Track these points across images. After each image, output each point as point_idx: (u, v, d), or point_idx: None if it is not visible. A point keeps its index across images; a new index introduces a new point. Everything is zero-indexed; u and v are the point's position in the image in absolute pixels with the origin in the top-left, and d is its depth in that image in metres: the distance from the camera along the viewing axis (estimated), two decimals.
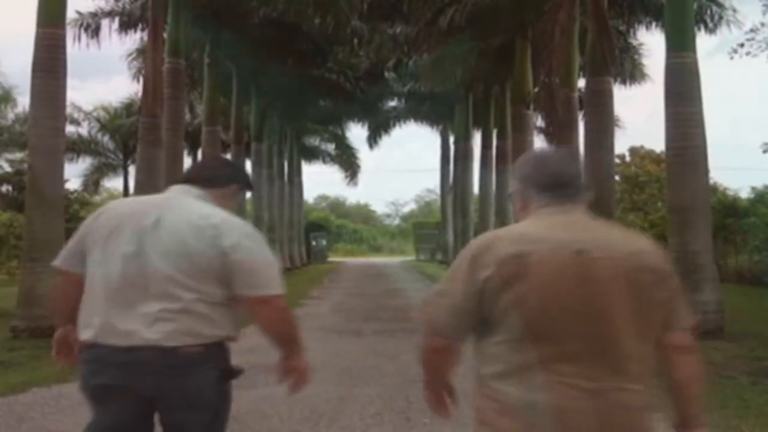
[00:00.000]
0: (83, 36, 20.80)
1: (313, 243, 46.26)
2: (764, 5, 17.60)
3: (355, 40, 25.29)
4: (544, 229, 2.40)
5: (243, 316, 3.13)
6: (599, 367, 2.31)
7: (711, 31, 20.28)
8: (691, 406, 2.58)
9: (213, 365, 3.09)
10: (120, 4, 21.11)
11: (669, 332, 2.49)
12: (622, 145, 48.01)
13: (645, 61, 25.89)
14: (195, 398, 3.06)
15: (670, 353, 2.51)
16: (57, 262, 3.28)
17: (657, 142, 41.06)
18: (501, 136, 26.63)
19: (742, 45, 18.18)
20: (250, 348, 5.22)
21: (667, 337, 2.49)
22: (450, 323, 2.48)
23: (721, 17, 20.08)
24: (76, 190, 40.56)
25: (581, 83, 19.41)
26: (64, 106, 12.53)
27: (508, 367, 2.36)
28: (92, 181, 44.09)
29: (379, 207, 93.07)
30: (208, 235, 3.03)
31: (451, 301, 2.45)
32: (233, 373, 3.22)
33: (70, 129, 36.10)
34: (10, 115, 37.07)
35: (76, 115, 39.33)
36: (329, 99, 33.79)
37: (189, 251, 3.00)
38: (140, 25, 20.83)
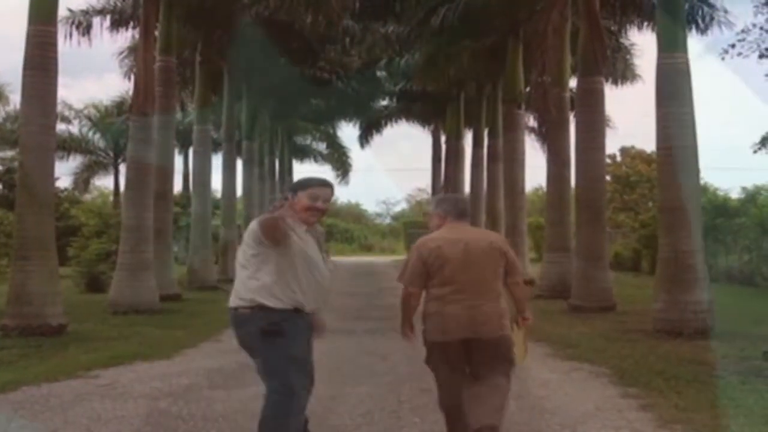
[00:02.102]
0: (74, 34, 20.69)
1: None
2: (755, 6, 17.68)
3: (347, 39, 25.26)
4: (449, 233, 5.28)
5: None
6: (474, 294, 5.13)
7: (702, 31, 20.31)
8: (522, 307, 5.49)
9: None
10: (111, 2, 21.02)
11: (510, 278, 5.29)
12: (613, 145, 48.09)
13: (636, 61, 26.01)
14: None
15: (511, 287, 5.33)
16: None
17: (648, 143, 41.10)
18: (492, 136, 26.67)
19: (733, 46, 18.24)
20: (235, 349, 5.21)
21: (509, 280, 5.29)
22: (414, 281, 5.25)
23: (712, 18, 20.11)
24: (66, 189, 40.46)
25: (573, 83, 19.42)
26: (55, 104, 12.49)
27: (435, 296, 5.21)
28: (82, 180, 43.90)
29: (370, 206, 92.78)
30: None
31: (412, 270, 5.26)
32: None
33: (60, 127, 36.11)
34: (1, 113, 37.06)
35: (66, 113, 39.26)
36: (321, 98, 33.76)
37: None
38: (132, 23, 20.75)
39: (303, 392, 4.88)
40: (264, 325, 4.73)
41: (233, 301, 4.88)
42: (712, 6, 20.03)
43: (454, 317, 5.08)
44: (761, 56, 18.38)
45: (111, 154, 42.62)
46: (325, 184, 5.05)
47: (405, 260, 5.40)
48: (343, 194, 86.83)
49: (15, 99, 33.90)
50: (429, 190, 48.12)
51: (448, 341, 5.13)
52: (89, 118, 41.28)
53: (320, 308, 5.17)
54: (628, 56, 25.43)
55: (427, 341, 5.25)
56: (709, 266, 12.70)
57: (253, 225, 4.89)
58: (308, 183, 5.01)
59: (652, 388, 7.42)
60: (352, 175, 46.13)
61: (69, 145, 39.92)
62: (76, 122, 40.96)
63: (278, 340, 4.73)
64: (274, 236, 4.71)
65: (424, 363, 5.38)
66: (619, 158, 46.76)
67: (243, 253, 4.92)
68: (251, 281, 4.81)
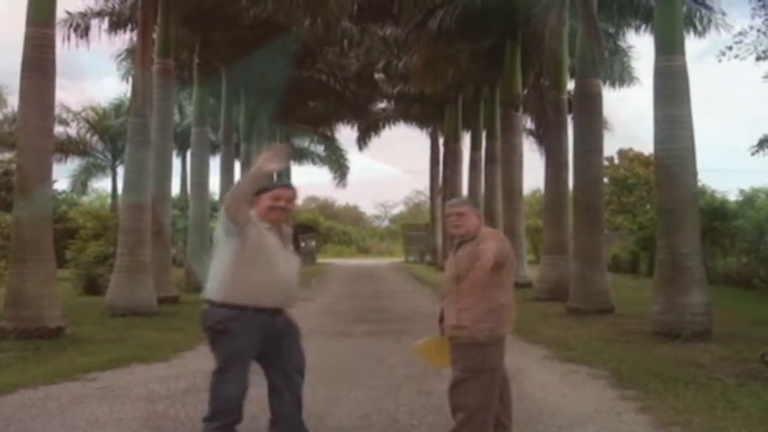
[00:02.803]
0: (73, 36, 20.69)
1: (302, 244, 46.14)
2: (753, 9, 17.72)
3: (345, 42, 25.25)
4: None
5: None
6: None
7: (700, 34, 20.35)
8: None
9: None
10: (109, 5, 21.02)
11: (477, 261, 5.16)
12: (610, 147, 47.98)
13: (634, 63, 26.02)
14: None
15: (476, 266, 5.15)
16: None
17: (646, 145, 41.09)
18: (490, 138, 26.69)
19: (730, 48, 18.26)
20: None
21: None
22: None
23: (710, 20, 20.15)
24: (64, 191, 40.46)
25: (571, 85, 19.44)
26: (53, 106, 12.45)
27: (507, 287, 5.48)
28: (80, 182, 43.89)
29: (369, 208, 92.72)
30: None
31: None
32: None
33: (58, 129, 36.03)
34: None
35: (64, 116, 39.23)
36: (319, 100, 33.77)
37: None
38: (130, 26, 20.76)
39: (297, 377, 5.48)
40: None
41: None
42: (709, 8, 20.08)
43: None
44: (758, 59, 18.42)
45: (109, 156, 42.63)
46: (286, 186, 5.63)
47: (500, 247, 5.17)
48: (341, 197, 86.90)
49: (13, 101, 33.91)
50: (427, 192, 48.12)
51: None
52: (87, 121, 41.27)
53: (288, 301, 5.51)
54: (625, 59, 25.46)
55: (497, 336, 5.22)
56: (706, 268, 12.72)
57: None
58: (270, 186, 5.51)
59: (650, 391, 7.42)
60: (350, 178, 46.11)
61: (67, 148, 39.90)
62: (74, 124, 40.98)
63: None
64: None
65: (480, 366, 5.15)
66: (616, 160, 46.81)
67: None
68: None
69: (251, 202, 5.33)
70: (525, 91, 22.68)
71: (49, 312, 11.27)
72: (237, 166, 28.88)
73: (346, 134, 64.44)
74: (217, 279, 5.28)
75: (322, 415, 6.57)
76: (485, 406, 5.19)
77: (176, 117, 30.24)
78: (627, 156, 46.70)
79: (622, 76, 25.99)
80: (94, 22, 20.97)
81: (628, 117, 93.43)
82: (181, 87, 26.88)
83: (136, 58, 16.55)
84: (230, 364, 5.26)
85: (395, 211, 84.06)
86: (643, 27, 21.09)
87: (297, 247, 5.37)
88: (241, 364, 5.28)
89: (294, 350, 5.51)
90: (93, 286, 19.20)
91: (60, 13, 16.85)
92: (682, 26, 13.19)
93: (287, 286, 5.39)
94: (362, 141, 41.59)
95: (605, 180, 29.87)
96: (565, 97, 18.75)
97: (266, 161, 5.08)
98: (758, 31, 18.13)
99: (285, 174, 43.73)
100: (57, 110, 26.39)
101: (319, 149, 46.64)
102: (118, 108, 40.05)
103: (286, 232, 5.53)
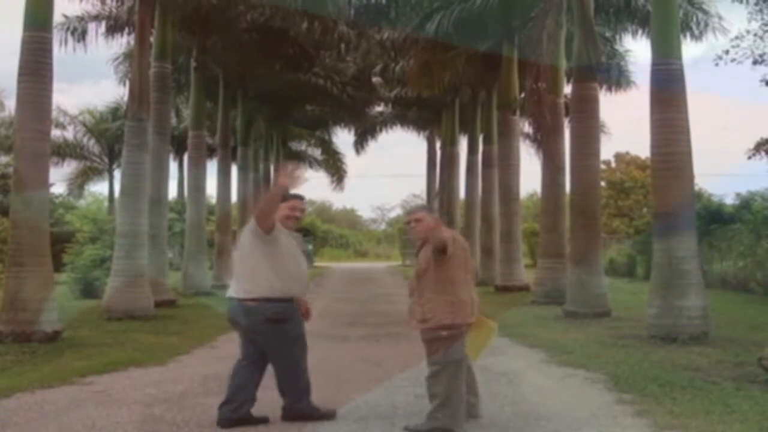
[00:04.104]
0: (70, 40, 20.68)
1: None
2: (749, 13, 17.76)
3: (342, 46, 25.22)
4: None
5: None
6: None
7: (697, 38, 20.40)
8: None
9: None
10: (107, 8, 21.00)
11: None
12: (607, 150, 48.17)
13: (631, 67, 26.06)
14: None
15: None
16: None
17: (642, 149, 41.15)
18: (487, 142, 26.67)
19: (727, 52, 18.31)
20: (230, 355, 5.20)
21: None
22: None
23: (707, 24, 20.20)
24: (61, 195, 40.45)
25: (567, 89, 19.47)
26: (50, 110, 12.44)
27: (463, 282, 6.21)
28: (77, 185, 43.87)
29: (366, 212, 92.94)
30: None
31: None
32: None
33: (55, 133, 36.06)
34: None
35: (61, 119, 39.23)
36: (316, 104, 33.81)
37: None
38: (127, 29, 20.74)
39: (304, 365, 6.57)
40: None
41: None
42: (706, 12, 20.12)
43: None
44: (755, 62, 18.47)
45: (106, 159, 42.62)
46: (300, 198, 6.72)
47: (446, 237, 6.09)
48: (338, 200, 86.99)
49: (10, 105, 33.89)
50: (424, 195, 48.14)
51: None
52: (84, 124, 41.28)
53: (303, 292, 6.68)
54: (622, 62, 25.49)
55: (457, 326, 6.06)
56: (703, 272, 12.73)
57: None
58: (287, 197, 6.51)
59: (647, 394, 7.42)
60: (347, 181, 46.09)
61: (64, 151, 39.95)
62: (71, 128, 40.99)
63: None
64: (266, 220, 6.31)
65: (455, 355, 6.05)
66: (613, 164, 46.89)
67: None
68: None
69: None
70: (522, 95, 22.71)
71: (46, 315, 11.25)
72: (234, 170, 28.84)
73: (343, 138, 64.55)
74: (254, 279, 6.30)
75: None
76: (455, 393, 6.02)
77: (173, 120, 30.25)
78: (624, 159, 46.80)
79: (619, 80, 26.02)
80: (92, 26, 20.97)
81: (625, 121, 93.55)
82: (178, 91, 26.89)
83: (133, 62, 16.55)
84: (301, 347, 6.52)
85: (392, 214, 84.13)
86: (640, 31, 21.13)
87: None
88: (301, 345, 6.52)
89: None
90: (90, 290, 19.18)
91: (57, 17, 16.88)
92: (679, 30, 13.21)
93: (306, 279, 6.70)
94: (359, 144, 41.63)
95: (602, 183, 29.93)
96: (562, 100, 18.78)
97: (284, 178, 6.20)
98: (755, 35, 18.20)
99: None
100: (54, 113, 26.47)
101: (317, 153, 46.65)
102: (115, 111, 40.03)
103: (296, 235, 6.72)
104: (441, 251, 5.97)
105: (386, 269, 42.85)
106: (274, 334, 6.33)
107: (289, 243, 6.46)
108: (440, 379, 6.01)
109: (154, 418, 6.65)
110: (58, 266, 17.28)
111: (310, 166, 47.15)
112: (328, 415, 6.52)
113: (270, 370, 6.51)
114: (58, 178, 41.55)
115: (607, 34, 21.93)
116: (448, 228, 6.74)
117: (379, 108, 38.85)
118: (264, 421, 6.36)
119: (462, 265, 6.16)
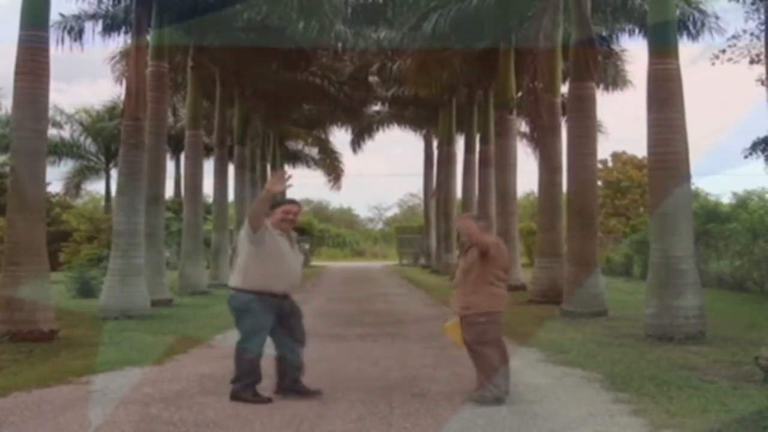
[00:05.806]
0: (66, 38, 20.61)
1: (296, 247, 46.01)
2: (746, 12, 17.79)
3: (339, 45, 25.22)
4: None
5: None
6: None
7: (693, 38, 20.39)
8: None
9: None
10: (103, 7, 20.94)
11: None
12: (604, 150, 48.24)
13: (627, 67, 26.09)
14: None
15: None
16: None
17: (639, 148, 41.21)
18: (484, 141, 26.70)
19: (723, 51, 18.34)
20: (226, 354, 5.20)
21: None
22: None
23: (703, 24, 20.20)
24: (57, 194, 40.39)
25: (564, 89, 19.48)
26: (46, 109, 12.42)
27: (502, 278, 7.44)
28: (73, 185, 43.81)
29: (362, 211, 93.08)
30: None
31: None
32: None
33: (52, 132, 36.03)
34: None
35: (58, 118, 39.18)
36: (313, 103, 33.80)
37: None
38: (124, 28, 20.69)
39: (299, 347, 7.38)
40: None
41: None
42: (703, 12, 20.13)
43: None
44: (752, 62, 18.51)
45: (102, 158, 42.58)
46: (294, 203, 7.60)
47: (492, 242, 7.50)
48: (335, 199, 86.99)
49: (7, 104, 33.85)
50: (421, 195, 48.20)
51: None
52: (81, 123, 41.24)
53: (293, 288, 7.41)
54: (619, 62, 25.53)
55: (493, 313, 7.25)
56: (700, 271, 12.74)
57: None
58: (282, 202, 7.52)
59: (644, 394, 7.43)
60: (344, 180, 46.16)
61: (60, 150, 39.88)
62: (67, 127, 40.94)
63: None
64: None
65: (481, 339, 7.16)
66: (610, 164, 46.85)
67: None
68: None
69: (267, 214, 7.11)
70: (519, 95, 22.72)
71: (43, 315, 11.24)
72: (231, 169, 28.82)
73: (340, 137, 64.56)
74: (240, 272, 7.16)
75: (315, 417, 6.56)
76: (493, 367, 7.10)
77: (170, 119, 30.21)
78: (620, 159, 46.77)
79: (616, 80, 26.06)
80: (88, 25, 20.89)
81: (622, 120, 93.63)
82: (174, 90, 26.85)
83: (130, 61, 16.53)
84: (251, 336, 7.12)
85: (389, 213, 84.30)
86: (637, 30, 21.14)
87: None
88: (259, 336, 7.12)
89: (297, 326, 7.43)
90: (86, 289, 19.14)
91: (54, 16, 16.84)
92: (676, 30, 13.23)
93: (293, 277, 7.36)
94: (356, 143, 41.65)
95: (599, 183, 29.95)
96: (559, 100, 18.77)
97: (272, 184, 7.01)
98: (751, 34, 18.26)
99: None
100: (50, 112, 26.46)
101: (313, 152, 46.67)
102: (111, 110, 40.01)
103: (293, 236, 7.51)
104: (484, 253, 7.16)
105: (383, 268, 42.90)
106: (236, 321, 7.28)
107: (282, 244, 7.21)
108: (480, 356, 7.17)
109: (150, 417, 6.64)
110: (55, 265, 17.26)
111: (307, 166, 47.22)
112: (263, 401, 7.03)
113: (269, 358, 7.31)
114: (55, 177, 41.47)
115: (604, 34, 21.93)
116: (489, 233, 7.93)
117: (376, 107, 38.90)
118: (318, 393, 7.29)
119: (501, 266, 7.34)
